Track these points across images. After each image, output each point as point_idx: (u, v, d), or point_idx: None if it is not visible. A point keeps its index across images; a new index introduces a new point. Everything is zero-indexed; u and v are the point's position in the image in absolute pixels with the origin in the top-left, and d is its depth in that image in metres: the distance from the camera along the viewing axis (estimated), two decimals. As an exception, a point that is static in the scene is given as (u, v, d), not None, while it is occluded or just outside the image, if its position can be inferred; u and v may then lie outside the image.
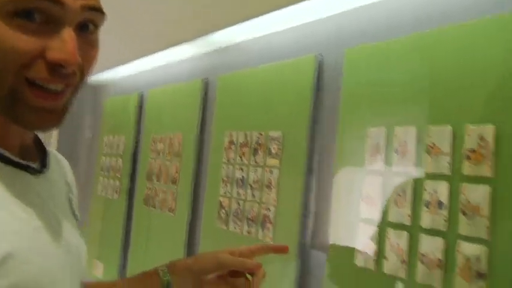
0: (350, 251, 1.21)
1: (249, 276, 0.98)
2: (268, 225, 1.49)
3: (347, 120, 1.30)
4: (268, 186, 1.52)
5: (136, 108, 2.46)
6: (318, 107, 1.41)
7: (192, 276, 0.98)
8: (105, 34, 0.80)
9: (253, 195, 1.58)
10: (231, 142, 1.72)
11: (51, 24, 0.65)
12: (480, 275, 0.94)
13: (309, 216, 1.38)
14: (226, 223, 1.68)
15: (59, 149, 1.79)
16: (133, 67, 2.42)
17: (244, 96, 1.71)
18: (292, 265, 1.37)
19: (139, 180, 2.37)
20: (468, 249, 0.97)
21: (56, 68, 0.65)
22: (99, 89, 3.00)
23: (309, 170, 1.39)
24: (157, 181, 2.19)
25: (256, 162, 1.59)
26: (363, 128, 1.23)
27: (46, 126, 0.69)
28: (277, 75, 1.56)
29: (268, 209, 1.50)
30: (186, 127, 2.03)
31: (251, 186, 1.59)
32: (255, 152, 1.60)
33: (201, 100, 1.96)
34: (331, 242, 1.29)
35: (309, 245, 1.38)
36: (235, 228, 1.63)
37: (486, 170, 0.96)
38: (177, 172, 2.06)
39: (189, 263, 1.01)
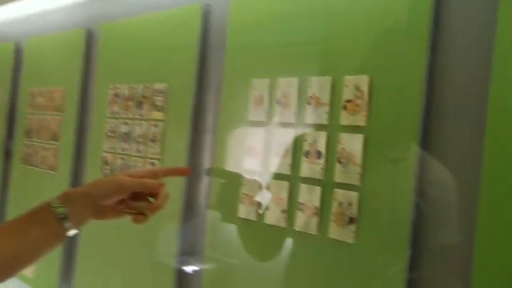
0: (232, 203, 1.21)
1: (151, 198, 0.92)
2: (153, 180, 1.44)
3: (232, 71, 1.27)
4: (153, 140, 1.47)
5: (12, 59, 2.25)
6: (205, 58, 1.37)
7: (91, 202, 0.88)
8: None
9: (138, 150, 1.52)
10: (116, 95, 1.63)
11: None
12: (351, 220, 0.98)
13: (195, 171, 1.36)
14: (110, 180, 1.60)
15: None
16: (8, 12, 2.20)
17: (129, 47, 1.62)
18: (175, 222, 1.35)
19: (16, 137, 2.19)
20: (342, 195, 1.00)
21: None
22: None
23: (194, 123, 1.36)
24: (37, 138, 2.04)
25: (141, 115, 1.52)
26: (247, 79, 1.21)
27: None
28: (163, 25, 1.49)
29: (153, 163, 1.45)
30: (67, 80, 1.90)
31: (136, 140, 1.53)
32: (140, 105, 1.53)
33: (83, 51, 1.83)
34: (212, 195, 1.28)
35: (192, 199, 1.36)
36: (119, 184, 1.56)
37: (361, 120, 0.99)
38: (58, 128, 1.92)
39: (86, 190, 0.90)
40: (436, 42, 0.91)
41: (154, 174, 0.95)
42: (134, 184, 0.91)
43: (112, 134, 1.62)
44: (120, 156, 1.58)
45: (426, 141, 0.91)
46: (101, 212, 0.91)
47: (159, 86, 1.46)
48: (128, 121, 1.56)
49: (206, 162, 1.34)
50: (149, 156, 1.47)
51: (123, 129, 1.58)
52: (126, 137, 1.56)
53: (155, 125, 1.46)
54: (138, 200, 0.92)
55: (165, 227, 1.38)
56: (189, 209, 1.35)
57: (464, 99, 0.88)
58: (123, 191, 0.91)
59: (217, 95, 1.32)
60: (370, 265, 0.96)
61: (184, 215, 1.35)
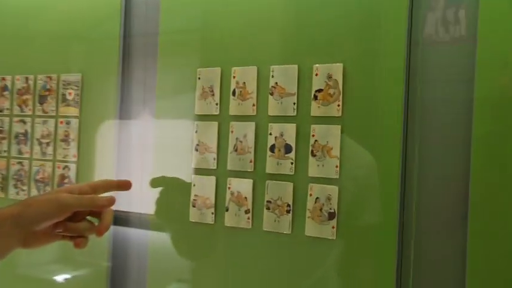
0: (183, 207, 1.09)
1: (91, 218, 0.76)
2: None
3: (168, 60, 1.14)
4: (65, 140, 1.25)
5: None
6: (130, 46, 1.20)
7: (19, 229, 0.69)
8: None
9: (43, 153, 1.28)
10: (3, 88, 1.36)
11: None
12: (331, 215, 0.94)
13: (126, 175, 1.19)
14: (4, 189, 1.34)
15: None
16: None
17: (26, 30, 1.36)
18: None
19: None
20: (318, 190, 0.95)
21: None
22: None
23: (121, 120, 1.19)
24: None
25: (44, 111, 1.29)
26: (192, 67, 1.09)
27: None
28: (73, 7, 1.27)
29: (67, 167, 1.24)
30: None
31: (40, 141, 1.29)
32: (43, 99, 1.29)
33: None
34: (156, 199, 1.14)
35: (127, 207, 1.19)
36: (18, 194, 1.31)
37: (335, 110, 0.95)
38: None
39: (15, 212, 0.70)
40: (414, 28, 0.91)
41: (95, 189, 0.79)
42: (79, 202, 0.74)
43: (0, 135, 1.35)
44: (17, 160, 1.32)
45: (407, 130, 0.90)
46: (32, 239, 0.73)
47: (70, 77, 1.25)
48: (26, 119, 1.31)
49: (140, 164, 1.18)
50: (61, 159, 1.25)
51: (18, 128, 1.32)
52: (24, 137, 1.31)
53: (67, 123, 1.25)
54: (75, 221, 0.76)
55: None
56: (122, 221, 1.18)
57: (447, 88, 0.89)
58: (64, 212, 0.73)
59: (150, 87, 1.17)
60: (353, 260, 0.93)
61: (114, 234, 1.18)
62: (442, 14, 0.89)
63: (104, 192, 0.80)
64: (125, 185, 0.83)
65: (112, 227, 1.18)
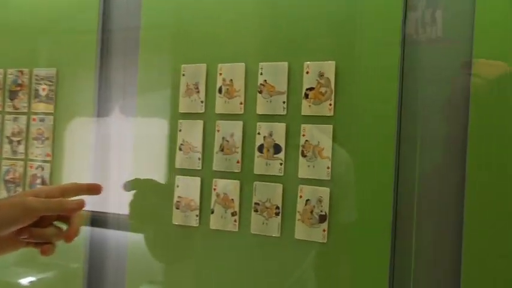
0: (164, 209, 1.04)
1: (58, 223, 0.70)
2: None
3: (150, 55, 1.09)
4: (38, 139, 1.18)
5: None
6: (110, 40, 1.14)
7: None
8: None
9: (14, 152, 1.21)
10: (-31, 83, 1.28)
11: None
12: (322, 218, 0.91)
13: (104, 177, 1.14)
14: (-29, 190, 1.26)
15: None
16: None
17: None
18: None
19: None
20: (309, 192, 0.92)
21: None
22: None
23: (101, 115, 1.13)
24: None
25: (15, 108, 1.22)
26: (176, 63, 1.04)
27: None
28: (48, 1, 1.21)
29: (40, 167, 1.18)
30: None
31: (10, 139, 1.22)
32: (12, 95, 1.22)
33: None
34: (131, 202, 1.08)
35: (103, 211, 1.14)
36: (-14, 195, 1.24)
37: (327, 109, 0.92)
38: None
39: None
40: (409, 26, 0.89)
41: (63, 192, 0.74)
42: (46, 206, 0.68)
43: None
44: (-15, 159, 1.25)
45: (401, 130, 0.88)
46: None
47: (43, 71, 1.18)
48: (-5, 115, 1.24)
49: (118, 164, 1.13)
50: (34, 158, 1.19)
51: (-14, 125, 1.25)
52: (-8, 135, 1.24)
53: (41, 120, 1.18)
54: (41, 226, 0.71)
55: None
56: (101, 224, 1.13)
57: (442, 86, 0.87)
58: (29, 216, 0.67)
59: (130, 83, 1.11)
60: (345, 265, 0.90)
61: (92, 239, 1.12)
62: (434, 13, 0.87)
63: (73, 195, 0.74)
64: (95, 189, 0.77)
65: (89, 228, 1.12)
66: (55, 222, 0.70)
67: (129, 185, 1.06)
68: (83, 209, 0.71)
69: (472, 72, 0.84)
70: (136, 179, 1.06)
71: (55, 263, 1.18)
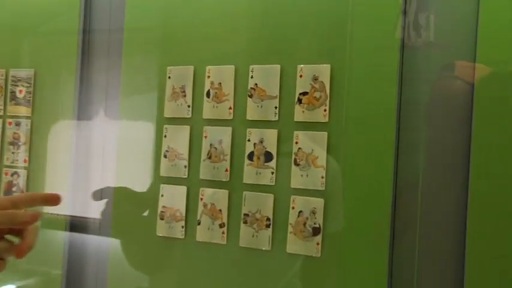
0: (150, 220, 0.98)
1: (11, 237, 0.64)
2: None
3: (135, 53, 1.03)
4: (14, 144, 1.12)
5: None
6: (92, 39, 1.08)
7: None
8: None
9: (-12, 157, 1.14)
10: None
11: None
12: (315, 230, 0.86)
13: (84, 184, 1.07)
14: None
15: None
16: None
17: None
18: (58, 247, 1.05)
19: None
20: (302, 203, 0.87)
21: None
22: None
23: (82, 118, 1.07)
24: None
25: (-10, 111, 1.15)
26: (161, 65, 0.98)
27: None
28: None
29: (16, 173, 1.11)
30: None
31: (-16, 144, 1.15)
32: (-12, 97, 1.15)
33: None
34: (114, 212, 1.02)
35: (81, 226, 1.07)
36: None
37: (321, 115, 0.86)
38: None
39: None
40: (408, 28, 0.84)
41: (15, 204, 0.67)
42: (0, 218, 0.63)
43: None
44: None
45: (400, 138, 0.83)
46: None
47: (21, 72, 1.12)
48: (-32, 118, 1.17)
49: (100, 170, 1.07)
50: (9, 164, 1.12)
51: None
52: (-35, 139, 1.17)
53: (17, 124, 1.11)
54: None
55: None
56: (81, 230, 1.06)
57: (445, 90, 0.82)
58: None
59: (113, 86, 1.05)
60: (340, 281, 0.85)
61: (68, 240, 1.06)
62: (435, 15, 0.83)
63: (27, 206, 0.68)
64: (52, 199, 0.71)
65: (68, 234, 1.06)
66: (7, 236, 0.64)
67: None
68: (37, 221, 0.65)
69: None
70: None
71: (34, 269, 1.11)
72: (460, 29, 0.81)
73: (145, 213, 0.98)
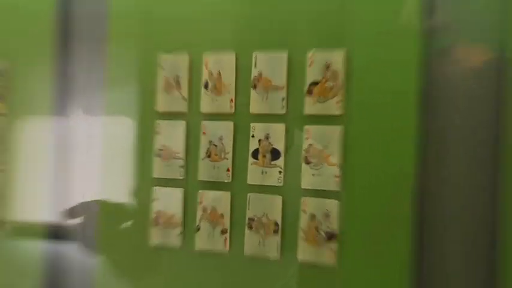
0: (141, 227, 0.88)
1: None
2: (-9, 201, 0.99)
3: (121, 40, 0.92)
4: (-13, 144, 1.00)
5: None
6: (71, 26, 0.97)
7: None
8: None
9: (-42, 159, 1.03)
10: None
11: None
12: (330, 236, 0.77)
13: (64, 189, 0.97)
14: None
15: None
16: None
17: None
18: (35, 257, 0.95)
19: None
20: (314, 206, 0.78)
21: None
22: None
23: (62, 114, 0.96)
24: None
25: (-40, 107, 1.03)
26: (152, 54, 0.88)
27: None
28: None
29: (-10, 177, 1.00)
30: None
31: (-47, 144, 1.03)
32: (-43, 91, 1.04)
33: None
34: (99, 219, 0.92)
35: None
36: None
37: (335, 107, 0.77)
38: None
39: None
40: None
41: None
42: None
43: None
44: None
45: (424, 132, 0.74)
46: None
47: (-7, 64, 1.01)
48: None
49: (82, 170, 0.96)
50: (-18, 166, 1.00)
51: None
52: None
53: (-10, 121, 1.00)
54: None
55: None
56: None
57: (472, 81, 0.74)
58: None
59: (97, 77, 0.94)
60: (358, 291, 0.76)
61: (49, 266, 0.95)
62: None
63: None
64: None
65: (47, 243, 0.96)
66: None
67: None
68: None
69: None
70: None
71: (9, 284, 1.00)
72: (486, 10, 0.72)
73: (135, 220, 0.88)
